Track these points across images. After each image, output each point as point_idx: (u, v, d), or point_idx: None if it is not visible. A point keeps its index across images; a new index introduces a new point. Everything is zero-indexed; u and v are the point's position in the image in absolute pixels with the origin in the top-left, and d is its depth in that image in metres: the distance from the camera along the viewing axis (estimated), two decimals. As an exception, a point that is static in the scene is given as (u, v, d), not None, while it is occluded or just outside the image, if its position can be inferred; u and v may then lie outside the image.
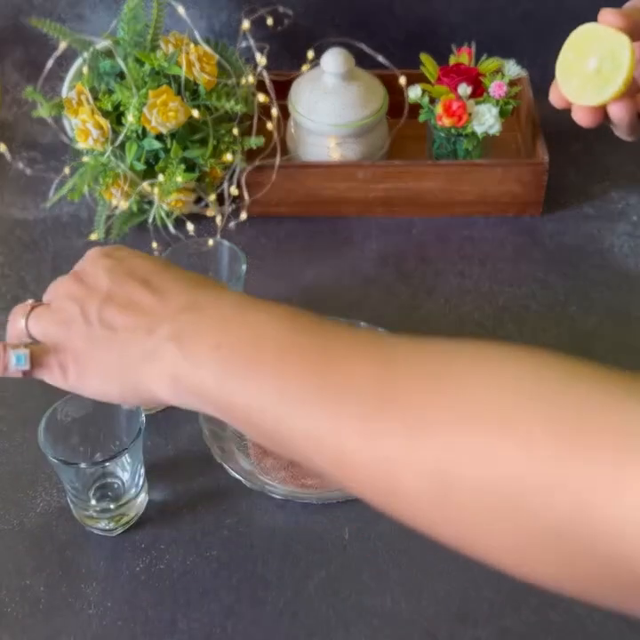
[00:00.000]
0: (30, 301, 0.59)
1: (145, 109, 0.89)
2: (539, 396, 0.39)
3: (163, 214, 0.93)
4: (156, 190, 0.91)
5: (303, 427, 0.45)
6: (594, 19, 0.63)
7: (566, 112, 0.66)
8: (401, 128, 0.98)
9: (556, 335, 0.87)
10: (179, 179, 0.90)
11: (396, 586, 0.69)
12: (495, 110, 0.94)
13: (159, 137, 0.91)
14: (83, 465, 0.68)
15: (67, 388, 0.57)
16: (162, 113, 0.89)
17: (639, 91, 0.63)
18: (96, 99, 0.91)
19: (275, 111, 0.94)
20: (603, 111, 0.64)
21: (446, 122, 0.94)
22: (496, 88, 0.95)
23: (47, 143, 1.05)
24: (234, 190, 0.94)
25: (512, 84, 0.97)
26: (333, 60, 0.95)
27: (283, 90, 0.98)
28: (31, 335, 0.58)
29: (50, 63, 0.93)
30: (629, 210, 1.00)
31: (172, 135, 0.91)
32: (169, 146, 0.91)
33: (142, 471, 0.71)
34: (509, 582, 0.43)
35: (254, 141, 0.93)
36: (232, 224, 0.95)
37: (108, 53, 0.93)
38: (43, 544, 0.71)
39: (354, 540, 0.72)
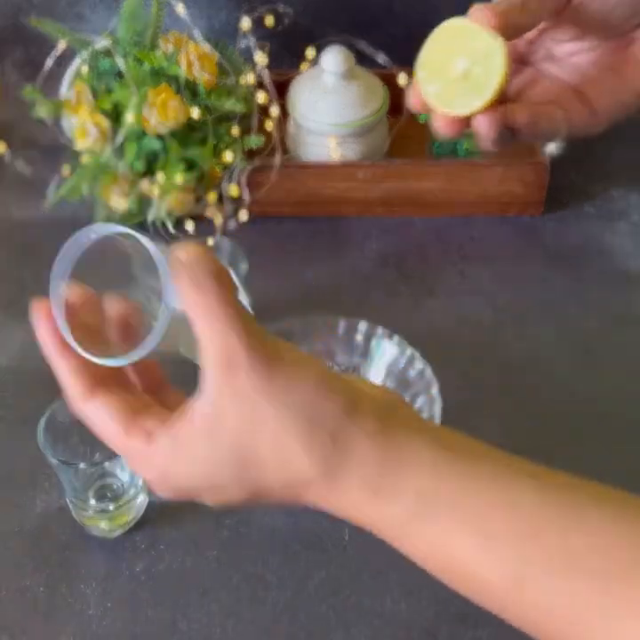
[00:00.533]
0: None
1: (144, 109, 0.89)
2: None
3: (162, 214, 0.93)
4: (155, 190, 0.91)
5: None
6: None
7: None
8: (401, 128, 0.98)
9: (556, 335, 0.87)
10: (178, 178, 0.90)
11: (395, 586, 0.69)
12: (495, 110, 0.94)
13: (158, 136, 0.91)
14: (82, 465, 0.68)
15: None
16: (161, 112, 0.88)
17: (509, 101, 0.54)
18: (95, 98, 0.91)
19: (275, 111, 0.94)
20: (467, 121, 0.54)
21: (446, 121, 0.94)
22: (496, 87, 0.94)
23: (46, 143, 1.04)
24: (234, 190, 0.94)
25: (512, 83, 0.96)
26: (333, 59, 0.95)
27: (282, 89, 0.98)
28: None
29: (49, 63, 0.93)
30: (630, 209, 1.00)
31: (172, 135, 0.91)
32: (168, 145, 0.91)
33: (142, 471, 0.71)
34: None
35: (254, 141, 0.93)
36: (232, 224, 0.95)
37: (108, 53, 0.92)
38: (42, 545, 0.71)
39: (354, 540, 0.72)
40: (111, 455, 0.69)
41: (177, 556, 0.71)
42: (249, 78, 0.93)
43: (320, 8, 1.09)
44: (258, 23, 0.93)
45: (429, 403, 0.74)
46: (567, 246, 0.96)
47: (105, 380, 0.47)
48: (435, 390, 0.74)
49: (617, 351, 0.86)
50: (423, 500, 0.42)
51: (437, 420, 0.72)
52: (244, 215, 0.94)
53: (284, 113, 0.98)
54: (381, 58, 0.94)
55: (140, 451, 0.46)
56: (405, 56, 1.00)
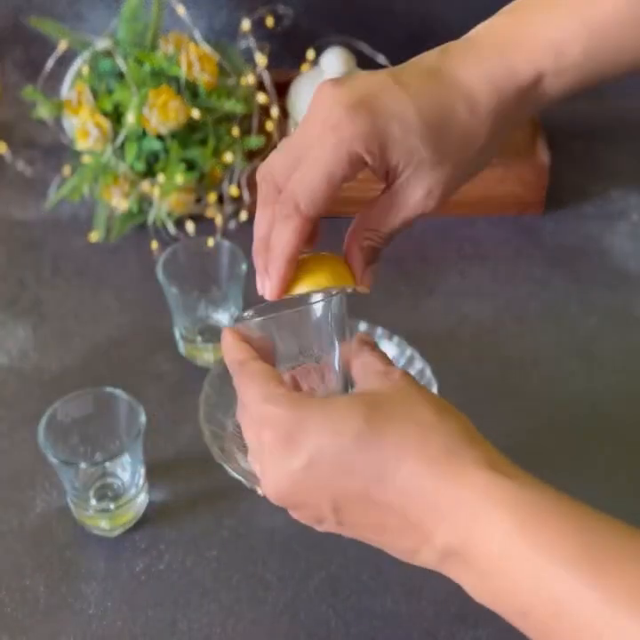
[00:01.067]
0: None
1: (145, 109, 0.89)
2: None
3: (163, 214, 0.93)
4: (155, 190, 0.91)
5: None
6: None
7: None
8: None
9: (556, 335, 0.87)
10: (179, 179, 0.90)
11: (395, 586, 0.69)
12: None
13: (159, 137, 0.91)
14: (83, 465, 0.68)
15: None
16: (162, 113, 0.89)
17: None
18: (96, 99, 0.91)
19: (275, 111, 0.94)
20: None
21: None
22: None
23: (47, 143, 1.04)
24: (234, 190, 0.94)
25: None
26: (333, 61, 0.95)
27: (283, 90, 0.98)
28: None
29: (50, 63, 0.93)
30: (629, 209, 1.00)
31: (172, 135, 0.91)
32: (169, 146, 0.91)
33: (142, 471, 0.71)
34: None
35: (254, 141, 0.93)
36: (232, 224, 0.95)
37: (108, 53, 0.93)
38: (42, 544, 0.71)
39: (354, 540, 0.72)
40: (111, 455, 0.69)
41: (177, 556, 0.71)
42: (249, 79, 0.93)
43: (320, 9, 1.09)
44: (258, 24, 0.93)
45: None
46: (567, 246, 0.96)
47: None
48: (434, 390, 0.74)
49: (617, 351, 0.86)
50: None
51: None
52: (244, 215, 0.94)
53: (285, 113, 0.98)
54: (381, 59, 0.94)
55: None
56: (405, 58, 1.00)
